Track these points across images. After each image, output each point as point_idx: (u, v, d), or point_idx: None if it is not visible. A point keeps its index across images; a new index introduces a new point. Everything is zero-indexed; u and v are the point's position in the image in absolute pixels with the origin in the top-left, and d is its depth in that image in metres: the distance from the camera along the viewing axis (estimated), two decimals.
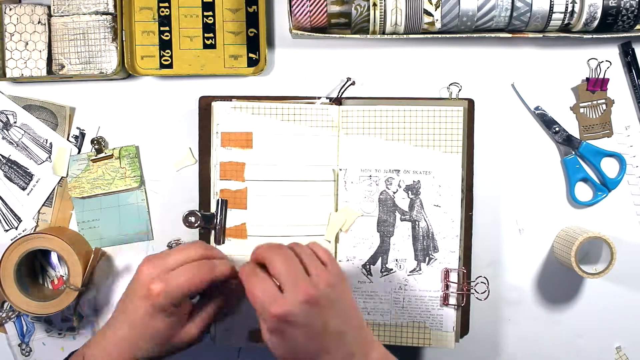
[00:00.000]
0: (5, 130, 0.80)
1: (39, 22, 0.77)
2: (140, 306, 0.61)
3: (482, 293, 0.76)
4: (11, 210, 0.81)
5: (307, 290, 0.57)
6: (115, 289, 0.82)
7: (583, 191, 0.80)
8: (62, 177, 0.80)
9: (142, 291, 0.60)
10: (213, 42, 0.78)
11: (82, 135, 0.80)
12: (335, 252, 0.76)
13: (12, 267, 0.75)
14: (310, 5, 0.73)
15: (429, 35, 0.74)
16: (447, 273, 0.76)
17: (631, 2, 0.71)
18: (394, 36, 0.74)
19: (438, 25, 0.73)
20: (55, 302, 0.76)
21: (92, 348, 0.64)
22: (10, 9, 0.77)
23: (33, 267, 0.81)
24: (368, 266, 0.77)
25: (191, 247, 0.64)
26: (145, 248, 0.81)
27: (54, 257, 0.82)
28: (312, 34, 0.74)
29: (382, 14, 0.72)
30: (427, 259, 0.76)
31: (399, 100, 0.77)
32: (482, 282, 0.77)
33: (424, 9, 0.72)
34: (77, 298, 0.77)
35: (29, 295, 0.77)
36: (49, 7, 0.77)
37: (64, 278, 0.81)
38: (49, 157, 0.80)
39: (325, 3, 0.73)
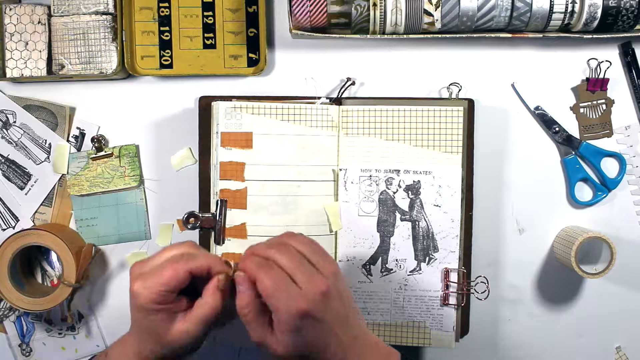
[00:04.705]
0: (4, 130, 0.80)
1: (39, 22, 0.77)
2: (131, 307, 0.61)
3: (482, 293, 0.76)
4: (9, 210, 0.81)
5: (321, 283, 0.58)
6: (110, 287, 0.82)
7: (583, 191, 0.80)
8: (61, 176, 0.80)
9: (130, 293, 0.60)
10: (213, 42, 0.78)
11: (82, 135, 0.80)
12: (336, 252, 0.76)
13: (6, 263, 0.76)
14: (310, 5, 0.73)
15: (429, 35, 0.74)
16: (447, 273, 0.76)
17: (631, 2, 0.71)
18: (394, 36, 0.74)
19: (438, 25, 0.73)
20: (49, 299, 0.76)
21: (113, 348, 0.65)
22: (10, 9, 0.77)
23: (29, 264, 0.82)
24: (368, 266, 0.77)
25: (174, 246, 0.62)
26: (142, 247, 0.81)
27: (54, 257, 0.82)
28: (312, 34, 0.74)
29: (382, 14, 0.72)
30: (427, 258, 0.76)
31: (399, 100, 0.77)
32: (482, 282, 0.77)
33: (424, 9, 0.72)
34: (71, 294, 0.77)
35: (23, 291, 0.77)
36: (49, 7, 0.77)
37: (59, 274, 0.81)
38: (48, 158, 0.80)
39: (325, 3, 0.73)
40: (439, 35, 0.74)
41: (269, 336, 0.59)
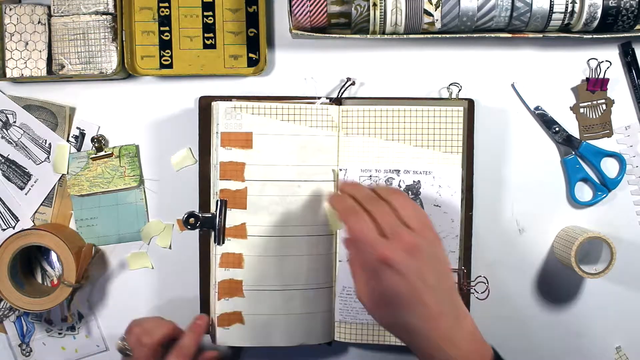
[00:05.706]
0: (4, 130, 0.80)
1: (39, 22, 0.77)
2: None
3: (482, 293, 0.76)
4: (9, 210, 0.81)
5: (409, 239, 0.59)
6: (110, 287, 0.82)
7: (583, 191, 0.80)
8: (61, 176, 0.80)
9: None
10: (213, 42, 0.78)
11: (82, 135, 0.80)
12: (335, 252, 0.76)
13: (6, 263, 0.75)
14: (310, 5, 0.73)
15: (429, 36, 0.74)
16: None
17: (631, 2, 0.72)
18: (394, 36, 0.74)
19: (438, 25, 0.73)
20: (49, 298, 0.76)
21: None
22: (10, 9, 0.77)
23: (30, 264, 0.82)
24: None
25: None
26: (141, 247, 0.81)
27: (54, 257, 0.82)
28: (312, 34, 0.74)
29: (382, 14, 0.72)
30: None
31: (399, 100, 0.77)
32: (481, 282, 0.77)
33: (424, 9, 0.72)
34: (71, 294, 0.77)
35: (23, 291, 0.77)
36: (49, 7, 0.77)
37: (59, 274, 0.81)
38: (48, 158, 0.80)
39: (325, 3, 0.73)
40: (439, 35, 0.74)
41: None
